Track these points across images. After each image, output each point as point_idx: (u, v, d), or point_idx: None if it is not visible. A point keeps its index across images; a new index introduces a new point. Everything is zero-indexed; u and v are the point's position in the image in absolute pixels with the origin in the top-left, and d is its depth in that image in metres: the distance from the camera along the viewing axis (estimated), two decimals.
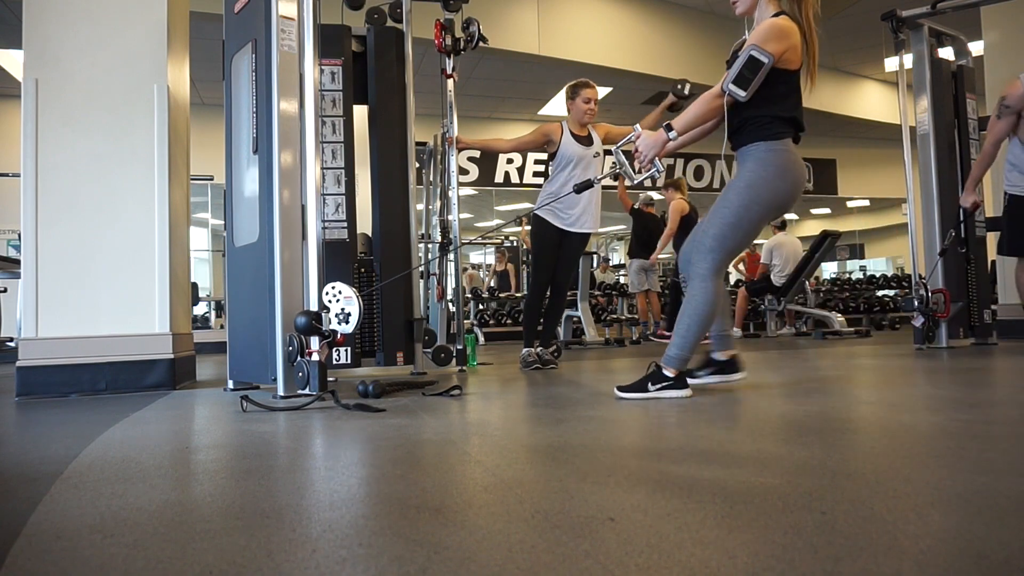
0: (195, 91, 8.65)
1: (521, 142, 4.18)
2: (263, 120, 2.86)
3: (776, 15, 2.29)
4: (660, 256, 8.00)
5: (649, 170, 2.44)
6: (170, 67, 3.43)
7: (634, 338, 8.47)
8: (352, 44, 3.63)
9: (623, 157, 2.57)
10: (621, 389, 2.42)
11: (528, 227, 8.05)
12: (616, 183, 7.53)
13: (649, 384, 2.37)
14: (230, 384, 3.17)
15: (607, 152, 4.02)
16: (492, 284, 10.45)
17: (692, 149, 12.23)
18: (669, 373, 2.37)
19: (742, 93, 2.22)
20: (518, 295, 9.41)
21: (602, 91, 10.14)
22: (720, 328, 2.56)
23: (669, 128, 2.34)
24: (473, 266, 12.75)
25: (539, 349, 4.03)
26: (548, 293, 4.15)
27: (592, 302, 8.59)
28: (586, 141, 4.03)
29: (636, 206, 7.90)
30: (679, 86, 4.05)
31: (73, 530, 1.00)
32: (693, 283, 2.38)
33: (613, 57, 8.74)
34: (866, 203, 14.50)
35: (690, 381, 2.43)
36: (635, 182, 2.56)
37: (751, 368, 3.73)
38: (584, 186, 3.06)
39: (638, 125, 2.51)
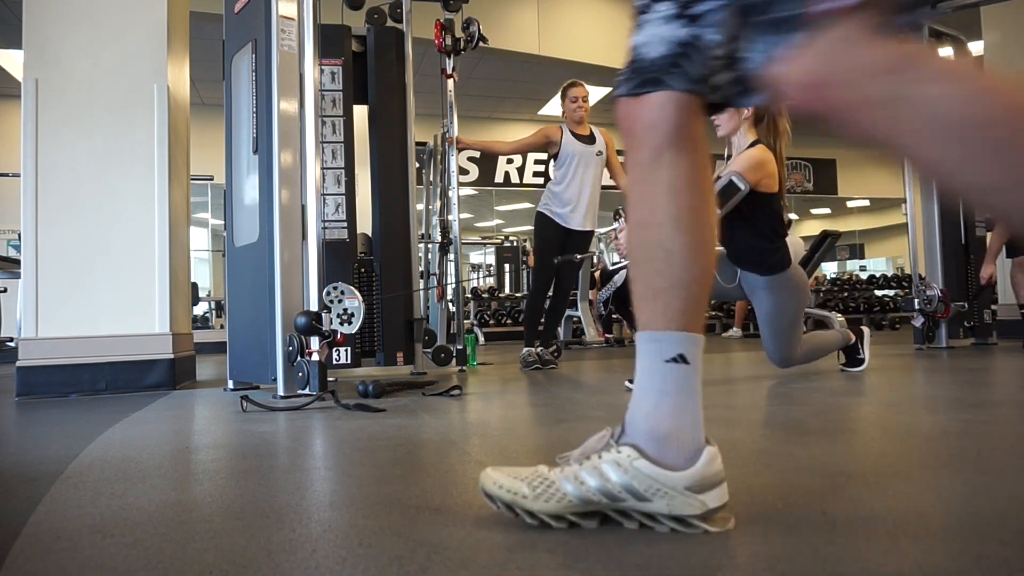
0: (195, 91, 8.65)
1: (521, 144, 4.19)
2: (263, 120, 2.86)
3: (753, 143, 2.68)
4: None
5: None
6: (170, 67, 3.42)
7: (634, 338, 8.46)
8: (352, 44, 3.63)
9: (603, 246, 2.89)
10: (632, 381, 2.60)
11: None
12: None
13: None
14: (230, 384, 3.17)
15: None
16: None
17: None
18: None
19: (717, 212, 2.57)
20: (517, 295, 9.40)
21: (602, 91, 10.14)
22: None
23: None
24: (473, 266, 12.70)
25: (539, 349, 4.02)
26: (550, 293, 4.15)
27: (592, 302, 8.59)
28: (587, 140, 4.04)
29: None
30: None
31: (73, 530, 1.00)
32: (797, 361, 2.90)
33: (613, 57, 8.73)
34: (866, 203, 14.50)
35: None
36: (611, 267, 2.87)
37: (752, 368, 3.73)
38: (565, 262, 3.28)
39: (622, 219, 2.80)
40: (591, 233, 4.11)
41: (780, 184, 2.73)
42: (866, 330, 3.19)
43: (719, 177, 2.69)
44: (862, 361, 3.13)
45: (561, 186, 4.00)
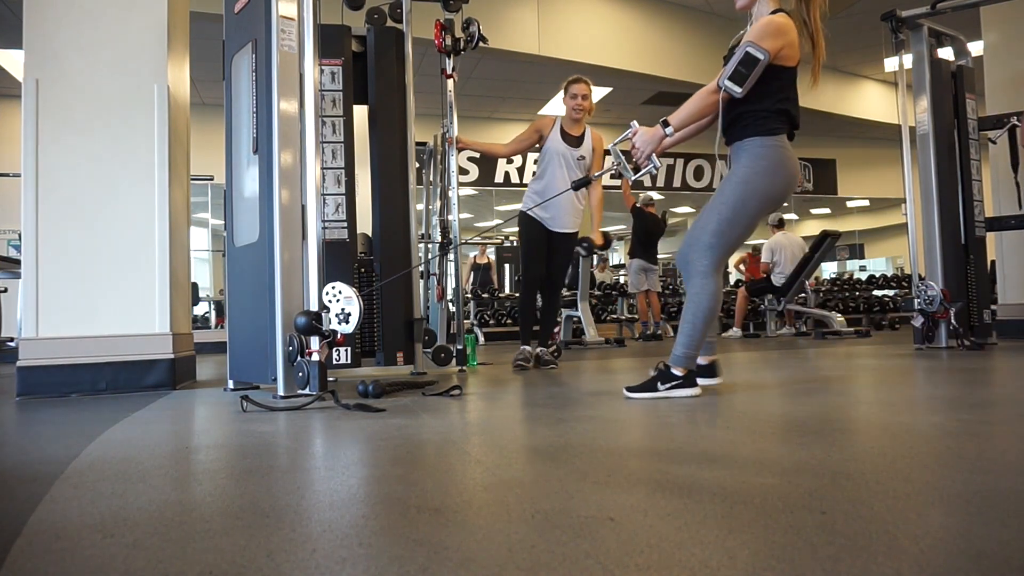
0: (195, 91, 8.65)
1: (518, 141, 4.14)
2: (263, 120, 2.86)
3: (774, 12, 2.32)
4: (660, 255, 8.03)
5: (646, 166, 2.46)
6: (170, 67, 3.42)
7: (635, 336, 8.47)
8: (352, 44, 3.63)
9: (620, 154, 2.59)
10: (630, 389, 2.43)
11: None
12: (620, 183, 7.51)
13: (659, 384, 2.38)
14: (230, 384, 3.17)
15: (606, 152, 3.96)
16: (470, 283, 9.67)
17: (691, 149, 12.24)
18: (677, 372, 2.38)
19: (738, 89, 2.25)
20: (517, 295, 9.38)
21: (602, 91, 10.14)
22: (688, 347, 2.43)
23: (666, 124, 2.37)
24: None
25: (539, 349, 4.02)
26: (543, 291, 4.10)
27: (592, 302, 8.59)
28: (575, 141, 3.96)
29: (636, 205, 7.91)
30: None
31: (73, 530, 1.00)
32: (694, 280, 2.39)
33: (613, 57, 8.74)
34: (866, 203, 14.51)
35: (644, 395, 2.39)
36: (633, 179, 2.59)
37: (752, 368, 3.74)
38: (582, 182, 3.12)
39: (635, 122, 2.52)
40: (574, 235, 4.02)
41: (818, 59, 2.34)
42: (698, 388, 2.39)
43: (733, 51, 2.34)
44: (651, 391, 2.37)
45: (539, 184, 3.97)
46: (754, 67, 2.22)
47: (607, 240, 4.08)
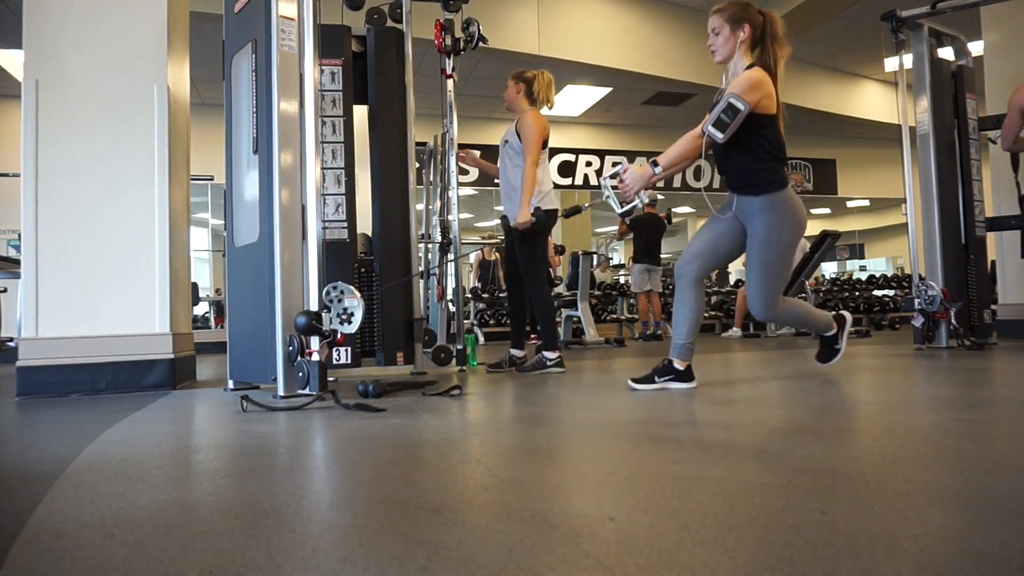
0: (195, 91, 8.65)
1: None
2: (263, 120, 2.86)
3: (750, 66, 2.58)
4: (662, 256, 8.05)
5: (632, 201, 2.69)
6: (170, 67, 3.42)
7: (635, 336, 8.47)
8: (352, 44, 3.63)
9: (610, 188, 2.73)
10: (635, 380, 2.69)
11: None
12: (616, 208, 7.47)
13: (656, 376, 2.65)
14: (230, 384, 3.17)
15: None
16: (476, 283, 9.63)
17: None
18: (679, 366, 2.63)
19: (720, 135, 2.49)
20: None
21: (602, 91, 10.14)
22: (686, 337, 2.70)
23: (655, 164, 2.61)
24: (471, 266, 12.60)
25: (543, 353, 4.01)
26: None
27: (592, 302, 8.59)
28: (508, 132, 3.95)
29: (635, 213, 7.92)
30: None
31: (73, 530, 1.00)
32: (770, 318, 2.79)
33: (613, 57, 8.74)
34: (866, 203, 14.51)
35: (645, 387, 2.66)
36: (620, 212, 2.73)
37: (752, 368, 3.73)
38: (572, 212, 3.31)
39: (624, 159, 2.73)
40: (516, 223, 3.76)
41: (778, 107, 2.60)
42: (847, 315, 3.08)
43: (716, 103, 2.56)
44: (838, 352, 3.04)
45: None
46: (735, 116, 2.46)
47: (536, 219, 3.88)
